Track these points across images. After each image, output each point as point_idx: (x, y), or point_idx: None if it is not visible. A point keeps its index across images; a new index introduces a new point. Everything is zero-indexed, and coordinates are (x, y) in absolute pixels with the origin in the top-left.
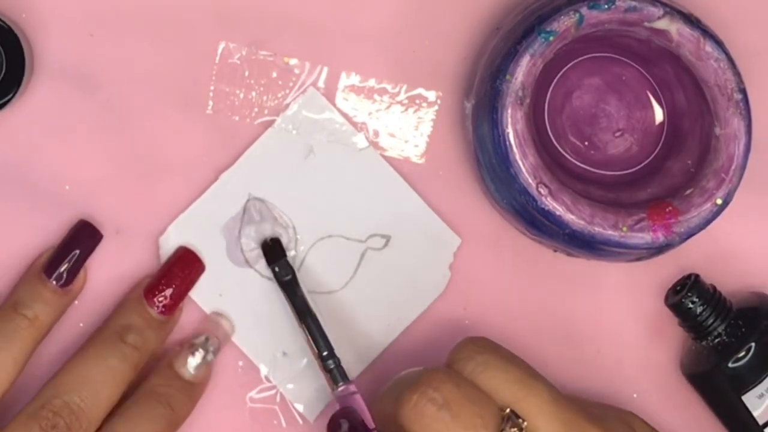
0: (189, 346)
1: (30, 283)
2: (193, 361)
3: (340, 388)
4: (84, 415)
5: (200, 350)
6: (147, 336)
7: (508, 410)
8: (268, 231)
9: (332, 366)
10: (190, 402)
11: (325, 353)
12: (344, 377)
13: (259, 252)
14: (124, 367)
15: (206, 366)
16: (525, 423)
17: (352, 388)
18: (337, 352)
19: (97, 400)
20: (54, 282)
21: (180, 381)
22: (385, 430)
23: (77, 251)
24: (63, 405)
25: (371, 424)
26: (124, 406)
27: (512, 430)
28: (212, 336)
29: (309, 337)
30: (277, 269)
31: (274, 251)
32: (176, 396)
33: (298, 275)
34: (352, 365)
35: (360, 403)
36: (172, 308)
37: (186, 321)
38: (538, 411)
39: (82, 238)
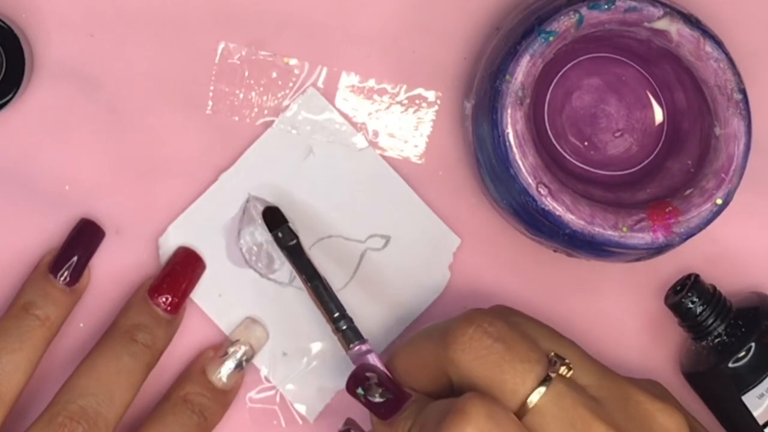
0: (222, 353)
1: (37, 283)
2: (226, 369)
3: (354, 348)
4: (101, 418)
5: (233, 358)
6: (156, 334)
7: (553, 353)
8: (268, 232)
9: (344, 327)
10: (222, 410)
11: (336, 314)
12: (358, 336)
13: (259, 252)
14: (137, 367)
15: (239, 374)
16: (571, 365)
17: (367, 346)
18: (339, 350)
19: (112, 402)
20: (61, 281)
21: (213, 389)
22: (413, 380)
23: (82, 249)
24: (79, 410)
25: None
26: (157, 413)
27: (562, 368)
28: (245, 343)
29: (318, 300)
30: (280, 234)
31: (274, 218)
32: (209, 405)
33: (298, 278)
34: (351, 365)
35: (376, 361)
36: (177, 306)
37: (187, 321)
38: (574, 362)
39: (86, 236)
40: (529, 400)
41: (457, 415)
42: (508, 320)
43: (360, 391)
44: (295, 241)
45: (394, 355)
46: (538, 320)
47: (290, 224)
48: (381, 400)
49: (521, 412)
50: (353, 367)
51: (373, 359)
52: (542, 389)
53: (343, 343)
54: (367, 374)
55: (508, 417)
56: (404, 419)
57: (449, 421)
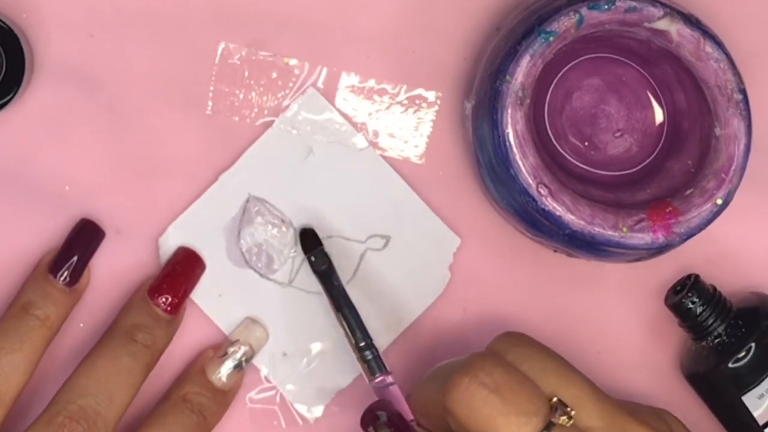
0: (222, 353)
1: (37, 284)
2: (226, 369)
3: (377, 379)
4: (101, 418)
5: (233, 358)
6: (156, 334)
7: (555, 399)
8: (267, 232)
9: (370, 357)
10: (221, 410)
11: (362, 344)
12: (382, 368)
13: (259, 252)
14: (137, 367)
15: (238, 374)
16: (573, 412)
17: (390, 378)
18: (339, 350)
19: (112, 402)
20: (60, 281)
21: (212, 389)
22: (425, 419)
23: (81, 249)
24: (79, 410)
25: (409, 416)
26: (156, 412)
27: (562, 418)
28: (245, 343)
29: (347, 327)
30: (313, 258)
31: (309, 240)
32: (208, 405)
33: (298, 278)
34: (352, 365)
35: (398, 394)
36: (177, 306)
37: (187, 321)
38: (578, 402)
39: (86, 237)
40: None
41: None
42: (507, 360)
43: (371, 429)
44: (326, 266)
45: (413, 391)
46: (547, 350)
47: (324, 248)
48: None
49: None
50: (355, 369)
51: (395, 391)
52: None
53: (367, 373)
54: (377, 413)
55: None
56: None
57: None
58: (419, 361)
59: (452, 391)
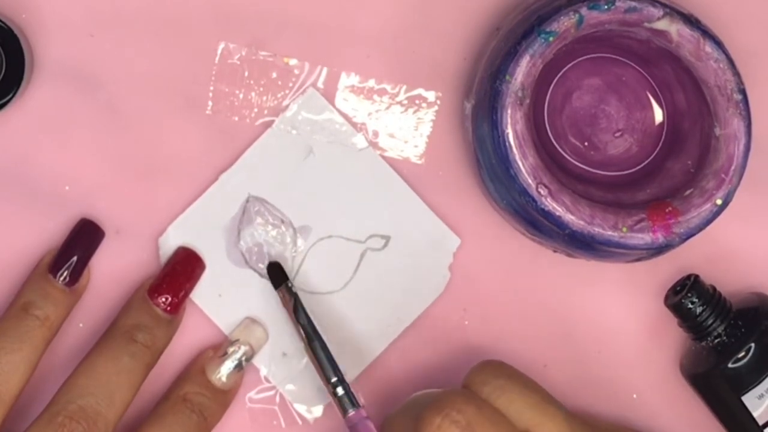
0: (222, 353)
1: (37, 284)
2: (226, 369)
3: (350, 414)
4: (101, 418)
5: (233, 358)
6: (156, 334)
7: None
8: (267, 232)
9: (341, 393)
10: (221, 410)
11: (333, 379)
12: (354, 403)
13: (259, 252)
14: (137, 367)
15: (238, 374)
16: None
17: (363, 413)
18: (336, 352)
19: (112, 401)
20: (60, 281)
21: (212, 389)
22: None
23: (81, 249)
24: (79, 409)
25: None
26: (156, 412)
27: None
28: (245, 343)
29: (318, 363)
30: (280, 295)
31: (276, 276)
32: (208, 404)
33: (297, 278)
34: (351, 366)
35: (371, 429)
36: (177, 306)
37: (187, 321)
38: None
39: (86, 236)
40: None
41: None
42: (484, 393)
43: None
44: (293, 301)
45: (384, 424)
46: (525, 382)
47: (289, 282)
48: None
49: None
50: (355, 370)
51: (367, 426)
52: None
53: (340, 408)
54: None
55: None
56: None
57: None
58: (419, 361)
59: (424, 429)
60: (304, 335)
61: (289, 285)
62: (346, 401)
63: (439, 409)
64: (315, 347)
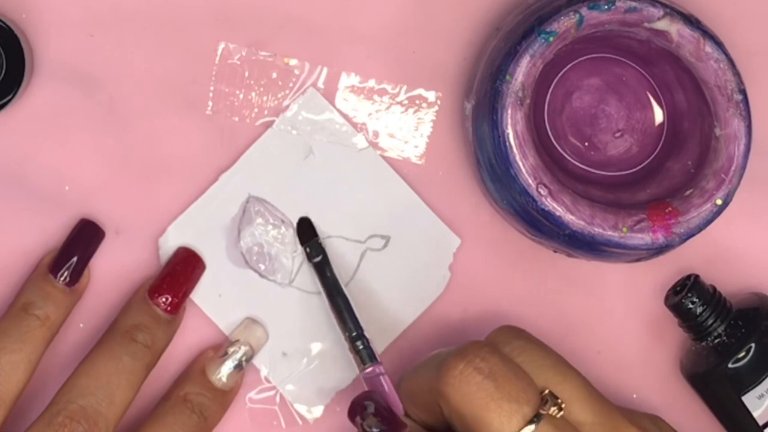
0: (222, 353)
1: (38, 284)
2: (226, 369)
3: (367, 369)
4: (101, 417)
5: (233, 358)
6: (156, 334)
7: (547, 391)
8: (267, 232)
9: (361, 346)
10: (222, 410)
11: (354, 333)
12: (372, 357)
13: (259, 252)
14: (137, 367)
15: (238, 374)
16: (564, 404)
17: (380, 369)
18: (339, 350)
19: (113, 401)
20: (61, 281)
21: (212, 389)
22: (415, 408)
23: (82, 249)
24: (79, 409)
25: (399, 406)
26: (156, 412)
27: (552, 408)
28: (245, 343)
29: (338, 317)
30: (308, 249)
31: (306, 231)
32: (208, 405)
33: (297, 278)
34: (351, 366)
35: (388, 384)
36: (177, 306)
37: (187, 321)
38: (572, 397)
39: (86, 237)
40: None
41: None
42: (505, 352)
43: (358, 419)
44: (321, 257)
45: (401, 379)
46: (544, 346)
47: (319, 239)
48: (377, 430)
49: None
50: (355, 369)
51: (384, 382)
52: (529, 429)
53: (358, 363)
54: (365, 403)
55: None
56: None
57: None
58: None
59: (447, 374)
60: (327, 291)
61: (318, 240)
62: (365, 355)
63: (463, 355)
64: (338, 302)
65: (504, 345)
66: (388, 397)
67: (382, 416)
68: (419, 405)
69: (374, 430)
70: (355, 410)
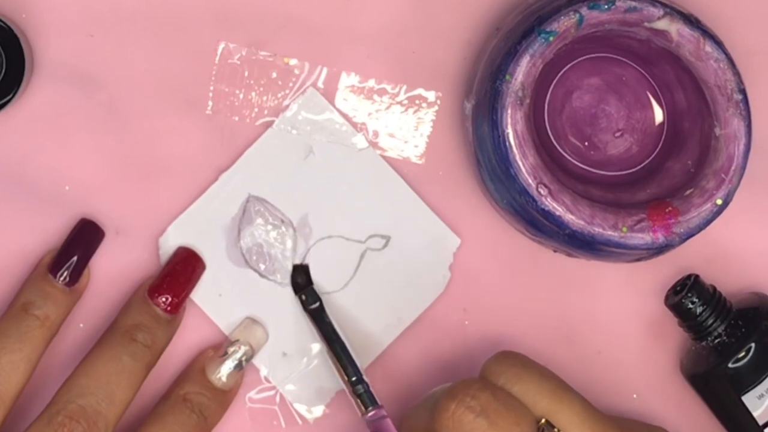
0: (222, 353)
1: (37, 283)
2: (226, 369)
3: (370, 413)
4: (101, 417)
5: (233, 358)
6: (156, 334)
7: (543, 420)
8: (267, 232)
9: (362, 390)
10: (221, 410)
11: (354, 378)
12: (374, 401)
13: (259, 252)
14: (137, 367)
15: (238, 374)
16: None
17: (383, 412)
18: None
19: (112, 401)
20: (60, 281)
21: (212, 389)
22: None
23: (81, 249)
24: (79, 409)
25: None
26: (156, 412)
27: None
28: (245, 343)
29: (338, 364)
30: (304, 297)
31: (301, 278)
32: (208, 404)
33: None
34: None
35: (390, 427)
36: (177, 306)
37: (187, 321)
38: (571, 423)
39: (86, 236)
40: None
41: None
42: (499, 383)
43: None
44: (318, 304)
45: (404, 419)
46: (542, 370)
47: (314, 287)
48: None
49: None
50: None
51: (387, 425)
52: None
53: (360, 408)
54: None
55: None
56: None
57: None
58: (419, 361)
59: (441, 416)
60: (325, 338)
61: (314, 288)
62: (366, 399)
63: (454, 395)
64: (336, 349)
65: (498, 376)
66: None
67: None
68: None
69: None
70: None
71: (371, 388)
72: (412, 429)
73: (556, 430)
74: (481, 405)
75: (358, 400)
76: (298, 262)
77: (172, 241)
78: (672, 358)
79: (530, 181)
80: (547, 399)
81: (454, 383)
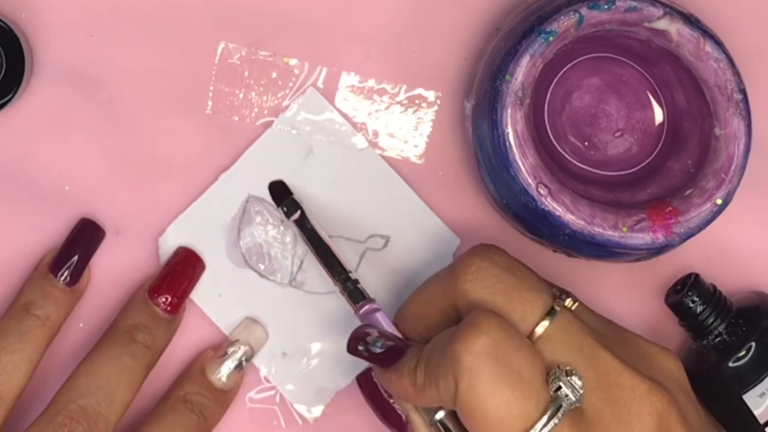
0: (222, 353)
1: (38, 283)
2: (226, 369)
3: (362, 309)
4: (101, 417)
5: (233, 358)
6: (156, 334)
7: (556, 289)
8: (267, 232)
9: (351, 287)
10: (221, 410)
11: (342, 276)
12: (364, 296)
13: (259, 252)
14: (137, 367)
15: (238, 374)
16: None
17: (375, 305)
18: (339, 350)
19: (113, 401)
20: (61, 281)
21: (212, 389)
22: (422, 327)
23: (82, 249)
24: (79, 409)
25: (399, 336)
26: (156, 412)
27: (568, 300)
28: (245, 343)
29: (325, 265)
30: (285, 209)
31: (279, 192)
32: (208, 405)
33: (298, 278)
34: (352, 365)
35: (385, 319)
36: (177, 306)
37: (187, 321)
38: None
39: (86, 236)
40: (537, 328)
41: (470, 327)
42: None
43: (361, 347)
44: (299, 212)
45: (402, 307)
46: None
47: (294, 196)
48: (382, 350)
49: (530, 339)
50: (355, 369)
51: (381, 317)
52: (550, 318)
53: (351, 303)
54: (366, 330)
55: (518, 331)
56: (408, 360)
57: (461, 333)
58: None
59: (465, 271)
60: (311, 243)
61: (294, 198)
62: (357, 294)
63: (477, 251)
64: (321, 252)
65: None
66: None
67: (386, 337)
68: (427, 322)
69: (379, 348)
70: (357, 340)
71: (361, 285)
72: (418, 306)
73: (570, 299)
74: (506, 261)
75: (349, 297)
76: (297, 262)
77: (172, 241)
78: None
79: (530, 181)
80: (546, 281)
81: (469, 248)
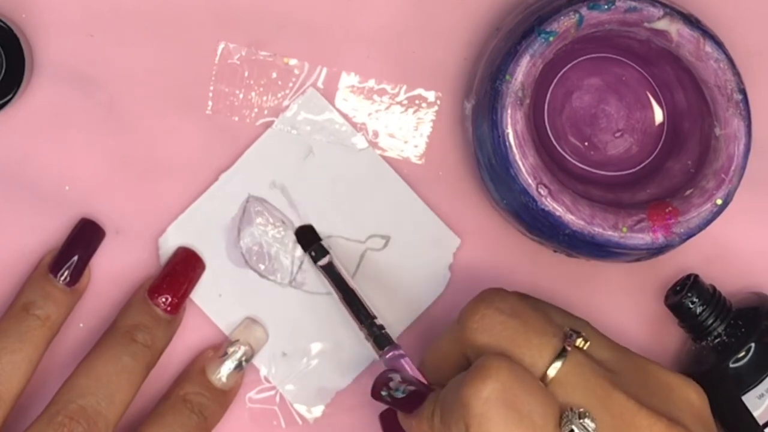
0: (222, 353)
1: (38, 283)
2: (226, 369)
3: (388, 354)
4: (101, 417)
5: (233, 358)
6: (156, 334)
7: (567, 327)
8: (267, 232)
9: (377, 332)
10: (221, 410)
11: (368, 321)
12: (390, 341)
13: (259, 252)
14: (137, 367)
15: (238, 374)
16: (587, 338)
17: (400, 350)
18: (339, 350)
19: (113, 401)
20: (61, 281)
21: (212, 389)
22: (442, 376)
23: (82, 249)
24: (79, 409)
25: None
26: (156, 412)
27: (578, 340)
28: (245, 343)
29: (351, 311)
30: (313, 253)
31: (307, 236)
32: (208, 405)
33: (297, 278)
34: (352, 365)
35: (410, 365)
36: (177, 306)
37: (187, 321)
38: (589, 336)
39: (86, 236)
40: (549, 370)
41: (478, 372)
42: (519, 296)
43: (384, 392)
44: (327, 258)
45: (422, 358)
46: (548, 302)
47: (322, 242)
48: (404, 395)
49: (543, 382)
50: (355, 369)
51: (406, 363)
52: (560, 361)
53: (377, 349)
54: (389, 376)
55: (528, 373)
56: (427, 406)
57: (469, 379)
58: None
59: (470, 319)
60: (338, 288)
61: (321, 243)
62: (383, 340)
63: (482, 298)
64: (349, 297)
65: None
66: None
67: (408, 381)
68: (445, 372)
69: (401, 393)
70: (380, 386)
71: (386, 330)
72: (436, 356)
73: (583, 333)
74: (511, 306)
75: (374, 343)
76: (297, 262)
77: (172, 241)
78: (672, 358)
79: (530, 181)
80: (561, 317)
81: (476, 296)
